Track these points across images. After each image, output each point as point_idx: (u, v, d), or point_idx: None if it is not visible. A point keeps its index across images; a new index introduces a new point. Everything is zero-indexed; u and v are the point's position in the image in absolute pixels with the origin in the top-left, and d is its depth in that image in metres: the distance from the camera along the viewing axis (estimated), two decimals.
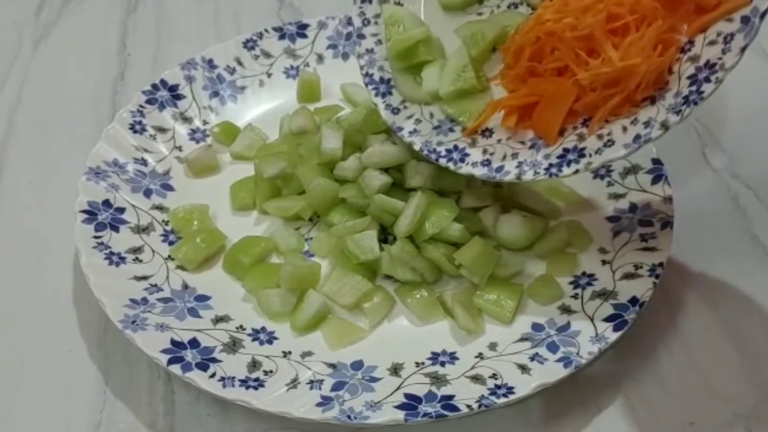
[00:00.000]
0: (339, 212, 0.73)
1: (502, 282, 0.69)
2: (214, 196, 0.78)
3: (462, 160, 0.67)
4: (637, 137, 0.60)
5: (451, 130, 0.70)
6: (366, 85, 0.72)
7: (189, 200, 0.77)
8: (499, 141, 0.67)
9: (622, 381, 0.65)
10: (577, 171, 0.62)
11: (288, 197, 0.76)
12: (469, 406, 0.59)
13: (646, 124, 0.60)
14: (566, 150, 0.63)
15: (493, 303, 0.67)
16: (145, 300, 0.67)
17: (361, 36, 0.73)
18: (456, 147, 0.68)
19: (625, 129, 0.61)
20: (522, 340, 0.65)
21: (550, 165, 0.63)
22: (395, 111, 0.71)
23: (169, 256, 0.72)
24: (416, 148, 0.69)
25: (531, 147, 0.65)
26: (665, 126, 0.58)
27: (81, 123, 0.87)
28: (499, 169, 0.65)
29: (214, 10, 1.03)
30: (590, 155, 0.61)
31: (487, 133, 0.68)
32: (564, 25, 0.62)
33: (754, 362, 0.66)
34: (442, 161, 0.68)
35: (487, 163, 0.66)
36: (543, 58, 0.65)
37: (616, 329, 0.63)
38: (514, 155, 0.65)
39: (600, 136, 0.62)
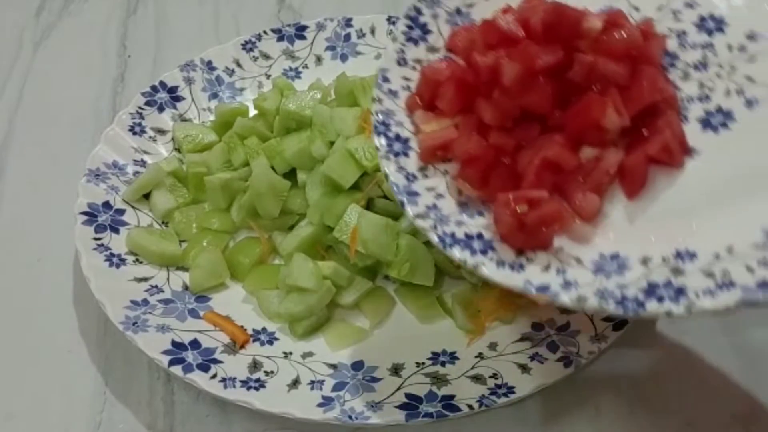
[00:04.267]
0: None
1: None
2: None
3: (484, 253, 0.52)
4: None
5: (479, 213, 0.55)
6: (377, 134, 0.56)
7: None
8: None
9: (620, 381, 0.65)
10: (669, 313, 0.46)
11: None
12: (470, 406, 0.59)
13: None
14: (654, 285, 0.48)
15: (494, 303, 0.67)
16: (145, 301, 0.67)
17: (386, 79, 0.59)
18: (480, 235, 0.53)
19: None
20: (522, 339, 0.65)
21: (625, 298, 0.47)
22: (410, 177, 0.56)
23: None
24: (425, 225, 0.53)
25: (596, 272, 0.50)
26: None
27: (81, 125, 0.87)
28: (543, 288, 0.50)
29: (213, 12, 1.03)
30: (697, 295, 0.46)
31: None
32: None
33: (752, 363, 0.66)
34: (456, 251, 0.52)
35: (520, 267, 0.51)
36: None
37: (615, 328, 0.63)
38: (560, 271, 0.51)
39: (710, 274, 0.47)
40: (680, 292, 0.46)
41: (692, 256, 0.48)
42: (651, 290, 0.47)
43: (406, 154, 0.56)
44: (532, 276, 0.50)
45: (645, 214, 0.52)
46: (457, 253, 0.51)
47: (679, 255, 0.48)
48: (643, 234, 0.51)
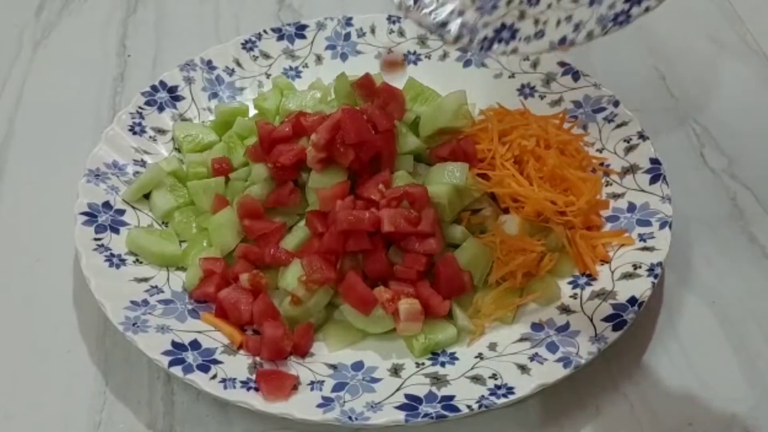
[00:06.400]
0: None
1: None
2: None
3: (513, 38, 0.63)
4: None
5: (494, 7, 0.64)
6: None
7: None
8: (549, 6, 0.62)
9: (620, 381, 0.65)
10: (648, 9, 0.56)
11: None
12: (469, 407, 0.59)
13: None
14: None
15: (493, 303, 0.67)
16: (145, 302, 0.67)
17: None
18: (504, 25, 0.63)
19: None
20: (522, 340, 0.65)
21: (617, 14, 0.57)
22: (435, 15, 0.67)
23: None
24: (464, 42, 0.64)
25: (591, 3, 0.60)
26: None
27: (81, 124, 0.88)
28: (562, 41, 0.60)
29: (213, 12, 1.03)
30: None
31: (534, 1, 0.63)
32: None
33: (752, 363, 0.66)
34: (495, 47, 0.63)
35: (540, 35, 0.62)
36: None
37: (615, 329, 0.63)
38: (569, 18, 0.61)
39: None
40: None
41: None
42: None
43: (423, 2, 0.66)
44: (551, 36, 0.60)
45: None
46: (495, 48, 0.62)
47: None
48: None
